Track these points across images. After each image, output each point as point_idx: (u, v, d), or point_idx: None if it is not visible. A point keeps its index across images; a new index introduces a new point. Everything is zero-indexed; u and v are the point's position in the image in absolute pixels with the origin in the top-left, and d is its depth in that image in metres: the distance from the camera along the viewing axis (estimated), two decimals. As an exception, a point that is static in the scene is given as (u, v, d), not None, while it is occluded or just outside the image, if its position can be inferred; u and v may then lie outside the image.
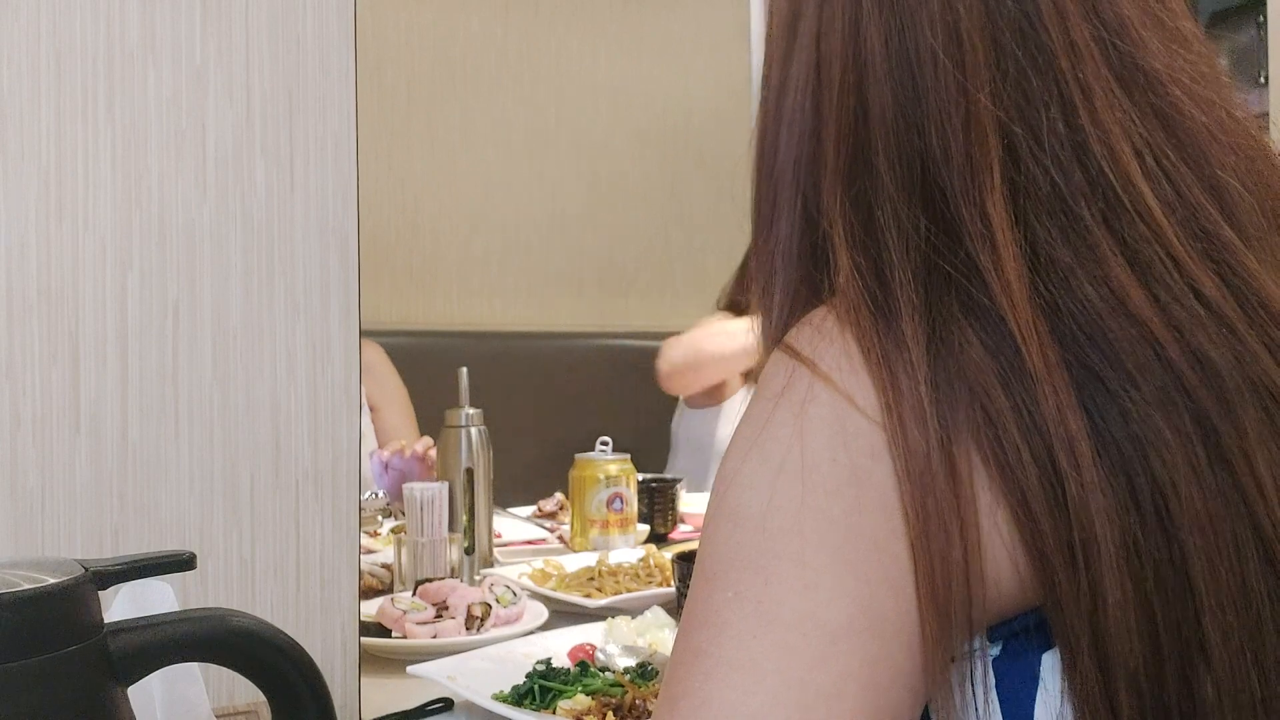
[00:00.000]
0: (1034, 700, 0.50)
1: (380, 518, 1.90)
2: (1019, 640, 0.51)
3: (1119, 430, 0.49)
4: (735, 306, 2.52)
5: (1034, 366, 0.49)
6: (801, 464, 0.50)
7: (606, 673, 1.15)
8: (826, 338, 0.53)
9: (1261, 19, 2.09)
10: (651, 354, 2.93)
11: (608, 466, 1.81)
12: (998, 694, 0.51)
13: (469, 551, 1.65)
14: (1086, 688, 0.48)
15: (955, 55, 0.54)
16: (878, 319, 0.52)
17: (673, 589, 1.44)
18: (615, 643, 1.24)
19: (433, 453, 1.96)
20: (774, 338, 0.57)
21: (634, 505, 1.84)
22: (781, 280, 0.60)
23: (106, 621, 0.63)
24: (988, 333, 0.51)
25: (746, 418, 0.54)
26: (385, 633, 1.31)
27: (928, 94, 0.55)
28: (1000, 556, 0.49)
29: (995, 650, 0.52)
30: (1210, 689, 0.48)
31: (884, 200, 0.55)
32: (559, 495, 2.06)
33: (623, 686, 1.11)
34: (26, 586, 0.58)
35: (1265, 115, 1.91)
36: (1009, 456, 0.49)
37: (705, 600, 0.50)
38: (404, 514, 1.63)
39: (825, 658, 0.47)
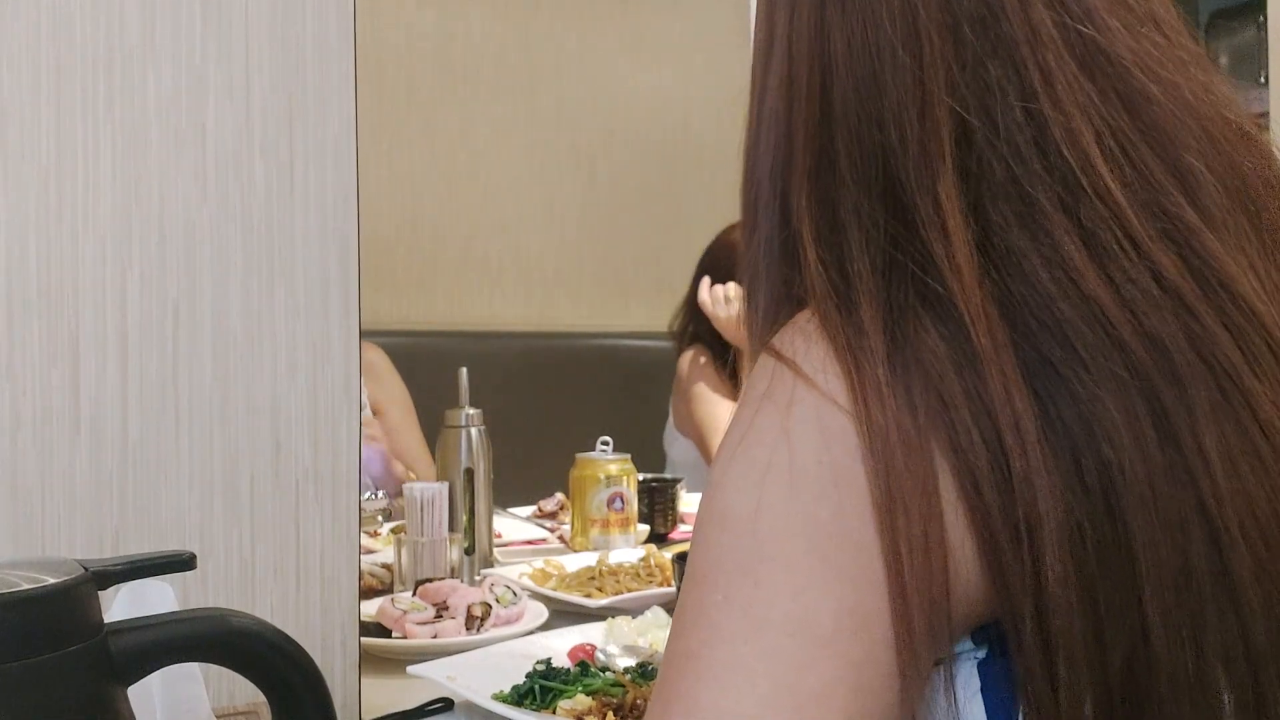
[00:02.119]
0: (1018, 704, 0.51)
1: (380, 518, 1.90)
2: (1004, 644, 0.51)
3: (1068, 412, 0.50)
4: (685, 335, 2.53)
5: (980, 348, 0.50)
6: (789, 466, 0.50)
7: (607, 673, 1.15)
8: (809, 339, 0.53)
9: (1262, 19, 2.09)
10: (651, 354, 2.93)
11: (608, 466, 1.81)
12: (983, 698, 0.51)
13: (469, 551, 1.65)
14: (1029, 667, 0.49)
15: (913, 48, 0.55)
16: (841, 311, 0.53)
17: (673, 589, 1.44)
18: (615, 643, 1.24)
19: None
20: (761, 337, 0.58)
21: (634, 505, 1.84)
22: (765, 281, 0.61)
23: (106, 621, 0.63)
24: (942, 320, 0.51)
25: (734, 421, 0.54)
26: (385, 633, 1.31)
27: (888, 89, 0.56)
28: (965, 543, 0.50)
29: (981, 653, 0.52)
30: (1149, 668, 0.49)
31: (845, 197, 0.56)
32: (559, 495, 2.06)
33: (623, 686, 1.11)
34: (26, 586, 0.58)
35: (1265, 115, 1.91)
36: (961, 440, 0.49)
37: (696, 603, 0.51)
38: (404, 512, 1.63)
39: (815, 660, 0.47)
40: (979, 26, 0.55)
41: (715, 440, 2.38)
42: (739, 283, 2.12)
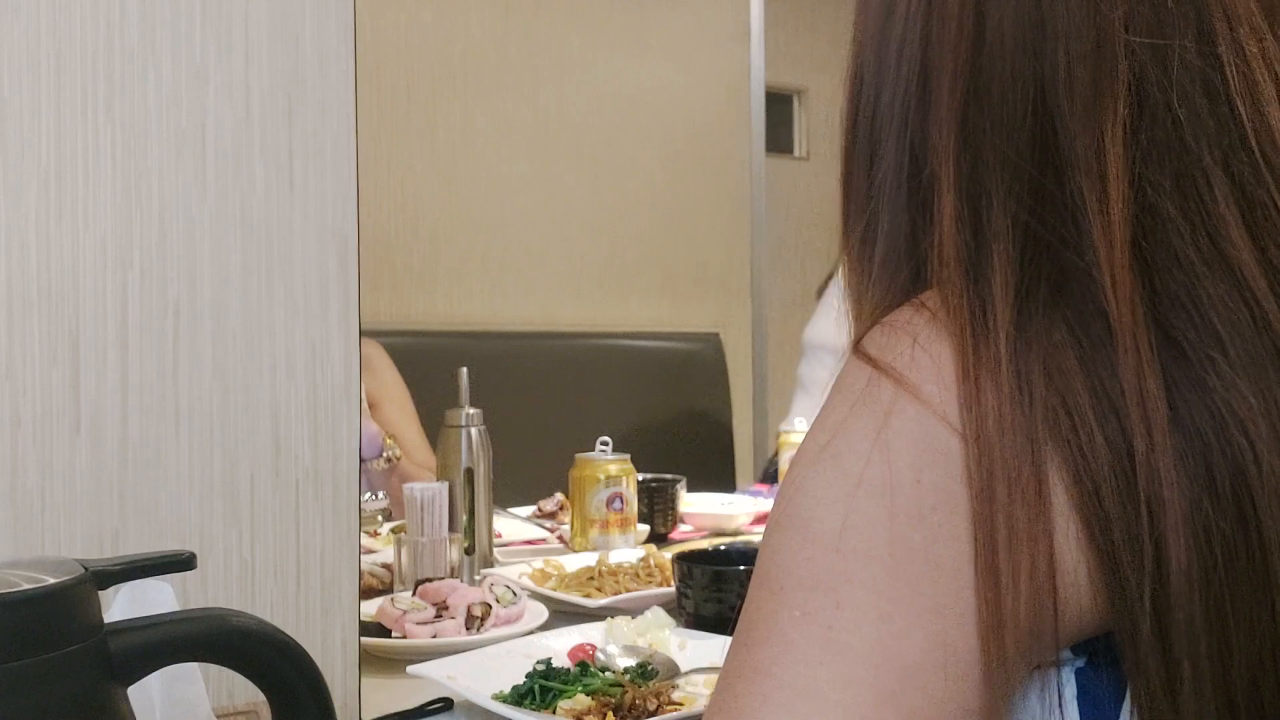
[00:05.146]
0: (1119, 713, 0.48)
1: (380, 518, 1.90)
2: (1105, 654, 0.48)
3: (1196, 402, 0.46)
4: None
5: (1118, 321, 0.46)
6: (886, 483, 0.46)
7: (606, 673, 1.15)
8: (917, 343, 0.49)
9: (1262, 19, 2.09)
10: (651, 354, 2.92)
11: (608, 466, 1.81)
12: (1078, 705, 0.48)
13: (469, 551, 1.65)
14: (1147, 683, 0.45)
15: None
16: (968, 286, 0.49)
17: (673, 589, 1.44)
18: (615, 643, 1.24)
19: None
20: (875, 301, 0.54)
21: (634, 505, 1.84)
22: (887, 223, 0.56)
23: (106, 621, 0.63)
24: (1073, 309, 0.48)
25: (820, 420, 0.50)
26: (385, 633, 1.31)
27: (1055, 16, 0.50)
28: (1077, 570, 0.46)
29: (1080, 662, 0.49)
30: (1279, 685, 0.45)
31: (993, 137, 0.51)
32: (559, 495, 2.06)
33: (623, 686, 1.11)
34: (26, 586, 0.58)
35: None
36: (1083, 443, 0.45)
37: (769, 615, 0.47)
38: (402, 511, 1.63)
39: (894, 694, 0.44)
40: None
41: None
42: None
